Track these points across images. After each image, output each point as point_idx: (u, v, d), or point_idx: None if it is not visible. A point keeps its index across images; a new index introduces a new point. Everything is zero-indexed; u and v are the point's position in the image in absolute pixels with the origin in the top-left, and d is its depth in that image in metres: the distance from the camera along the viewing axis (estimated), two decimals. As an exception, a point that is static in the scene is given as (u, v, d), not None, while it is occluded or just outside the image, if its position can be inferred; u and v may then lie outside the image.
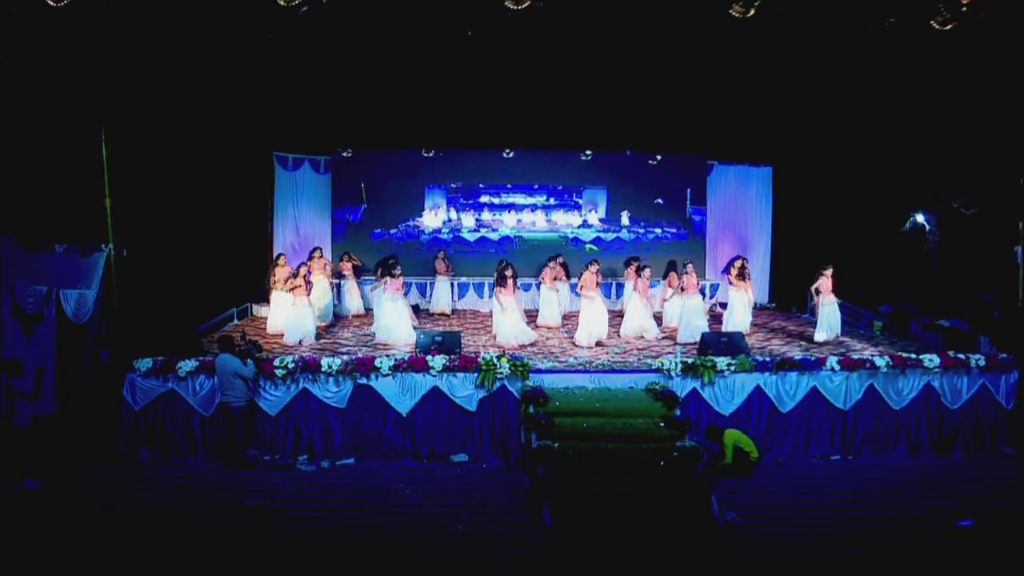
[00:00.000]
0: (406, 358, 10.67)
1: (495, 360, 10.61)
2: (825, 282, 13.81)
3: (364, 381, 10.57)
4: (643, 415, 10.15)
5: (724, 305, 17.42)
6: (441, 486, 9.78)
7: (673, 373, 10.84)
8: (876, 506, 9.45)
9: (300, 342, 12.94)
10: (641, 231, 19.11)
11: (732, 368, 10.95)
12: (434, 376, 10.59)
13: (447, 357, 10.68)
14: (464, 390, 10.61)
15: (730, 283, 14.29)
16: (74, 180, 10.41)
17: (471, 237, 19.11)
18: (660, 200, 18.71)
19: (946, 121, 18.00)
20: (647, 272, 14.24)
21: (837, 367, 11.11)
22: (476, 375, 10.57)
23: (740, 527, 8.69)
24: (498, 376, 10.55)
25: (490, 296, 16.06)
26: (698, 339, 12.95)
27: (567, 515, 8.53)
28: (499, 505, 9.22)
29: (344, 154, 17.81)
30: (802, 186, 18.04)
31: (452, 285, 17.12)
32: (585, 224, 19.25)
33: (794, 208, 18.21)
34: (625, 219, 19.13)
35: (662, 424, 9.97)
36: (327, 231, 17.71)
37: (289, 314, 13.30)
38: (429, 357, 10.63)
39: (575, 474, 9.11)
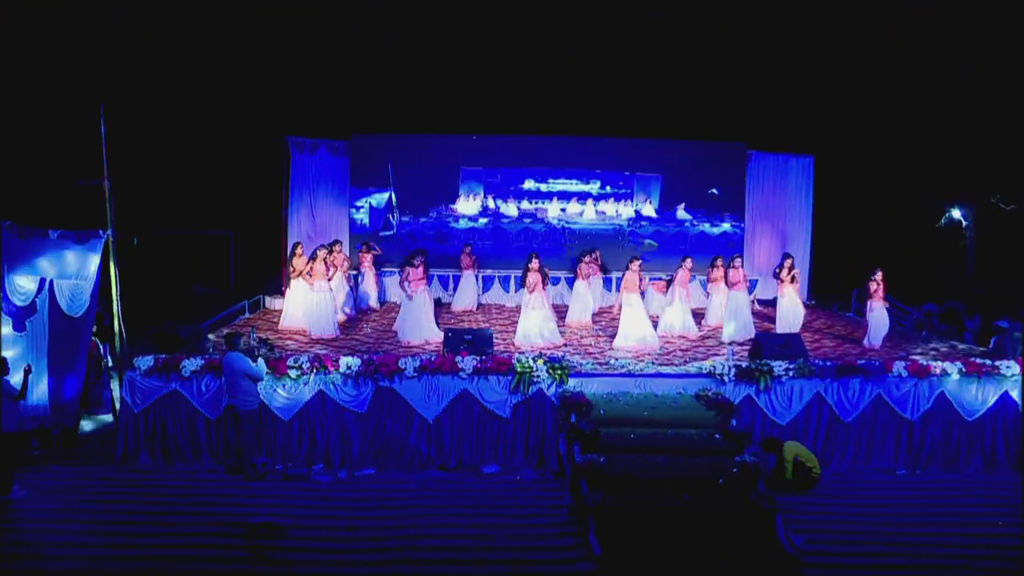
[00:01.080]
0: (433, 359, 9.56)
1: (531, 362, 9.49)
2: (875, 286, 12.61)
3: (386, 383, 9.47)
4: (695, 425, 9.02)
5: (763, 302, 16.29)
6: (472, 501, 8.66)
7: (726, 378, 9.69)
8: (954, 531, 8.28)
9: (318, 336, 11.95)
10: (709, 227, 17.59)
11: (790, 373, 9.78)
12: (464, 379, 9.48)
13: (478, 358, 9.57)
14: (496, 394, 9.49)
15: (780, 281, 13.11)
16: (70, 160, 9.35)
17: (513, 228, 17.62)
18: (715, 191, 17.42)
19: (986, 113, 16.82)
20: (688, 263, 13.16)
21: (904, 373, 9.93)
22: (510, 378, 9.45)
23: (808, 555, 7.57)
24: (534, 380, 9.43)
25: (518, 290, 14.95)
26: (741, 338, 11.86)
27: (617, 541, 7.42)
28: (538, 526, 8.09)
29: (363, 136, 16.41)
30: (844, 178, 16.87)
31: (477, 279, 15.97)
32: (639, 216, 17.70)
33: (835, 201, 17.03)
34: (682, 212, 17.66)
35: (717, 436, 8.84)
36: (344, 219, 16.56)
37: (310, 304, 12.26)
38: (458, 358, 9.51)
39: (624, 493, 8.01)
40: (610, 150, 17.51)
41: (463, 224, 17.46)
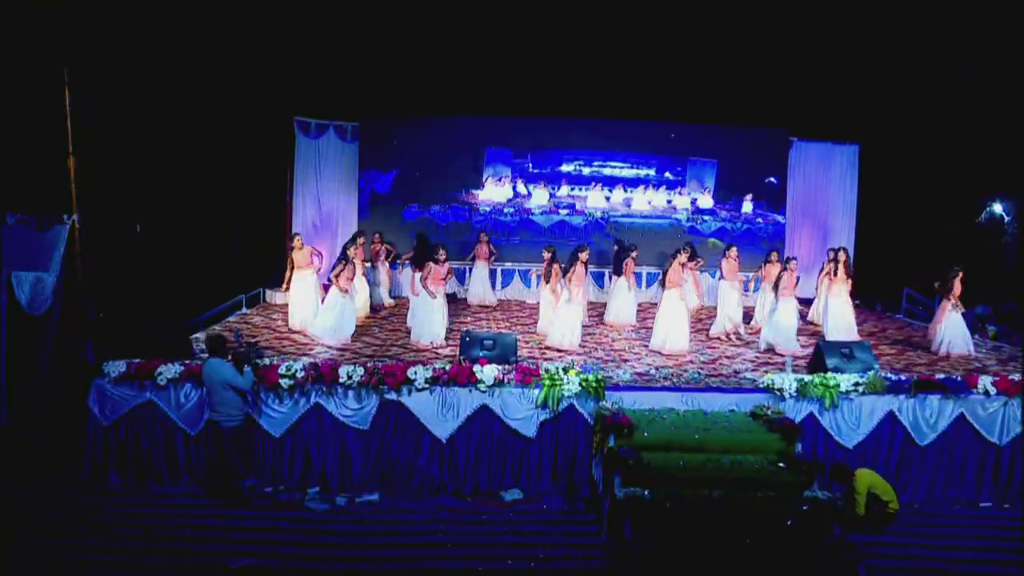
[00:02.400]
0: (447, 368, 8.11)
1: (561, 374, 8.02)
2: (956, 286, 11.06)
3: (393, 396, 8.02)
4: (754, 450, 7.51)
5: (801, 301, 14.73)
6: (490, 537, 7.22)
7: (786, 393, 8.19)
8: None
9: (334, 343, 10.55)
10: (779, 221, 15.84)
11: (860, 389, 8.28)
12: (483, 392, 8.01)
13: (500, 368, 8.10)
14: (520, 410, 8.02)
15: (831, 279, 11.54)
16: (31, 135, 7.96)
17: (545, 221, 15.65)
18: (773, 179, 15.78)
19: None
20: (733, 251, 11.71)
21: (993, 390, 8.39)
22: (537, 391, 8.00)
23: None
24: (565, 394, 7.98)
25: (537, 284, 13.50)
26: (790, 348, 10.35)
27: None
28: (569, 572, 6.67)
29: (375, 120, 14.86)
30: (892, 167, 15.21)
31: (494, 272, 14.44)
32: (697, 209, 15.82)
33: (881, 192, 15.39)
34: (748, 205, 15.86)
35: (781, 464, 7.34)
36: (353, 207, 15.06)
37: (338, 309, 10.45)
38: (477, 368, 8.04)
39: (676, 536, 6.54)
40: (650, 134, 15.70)
41: (482, 214, 15.54)
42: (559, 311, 10.38)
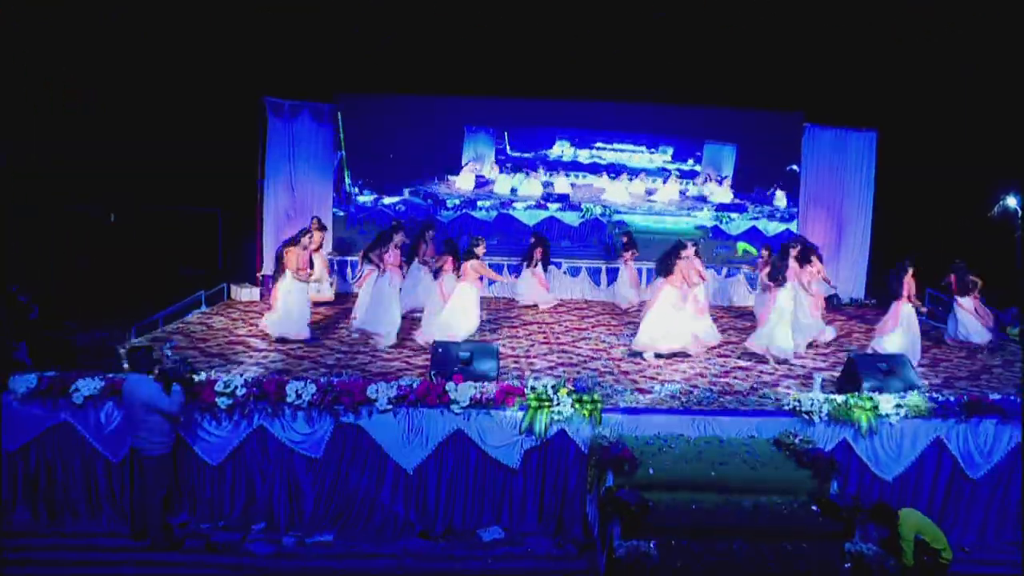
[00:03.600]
0: (415, 386, 6.71)
1: (550, 392, 6.62)
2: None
3: (350, 419, 6.60)
4: (782, 489, 6.11)
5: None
6: (463, 591, 5.87)
7: (815, 417, 6.80)
8: None
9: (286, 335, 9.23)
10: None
11: (901, 411, 6.89)
12: (457, 414, 6.59)
13: (477, 386, 6.71)
14: (501, 436, 6.60)
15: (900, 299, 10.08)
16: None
17: (529, 219, 13.60)
18: (795, 167, 14.29)
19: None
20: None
21: (1058, 413, 7.05)
22: (521, 413, 6.62)
23: None
24: (555, 417, 6.59)
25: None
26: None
27: None
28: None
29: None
30: (912, 156, 13.75)
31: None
32: (721, 206, 14.12)
33: (901, 183, 13.93)
34: (781, 199, 14.24)
35: (814, 508, 5.96)
36: (329, 195, 13.63)
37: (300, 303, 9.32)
38: (450, 385, 6.65)
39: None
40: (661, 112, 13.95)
41: (450, 209, 13.52)
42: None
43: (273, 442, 6.62)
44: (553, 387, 6.63)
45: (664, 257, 9.17)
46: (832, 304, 13.65)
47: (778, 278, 9.28)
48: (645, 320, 9.12)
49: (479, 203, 13.87)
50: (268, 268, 11.81)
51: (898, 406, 6.83)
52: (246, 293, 11.71)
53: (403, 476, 6.62)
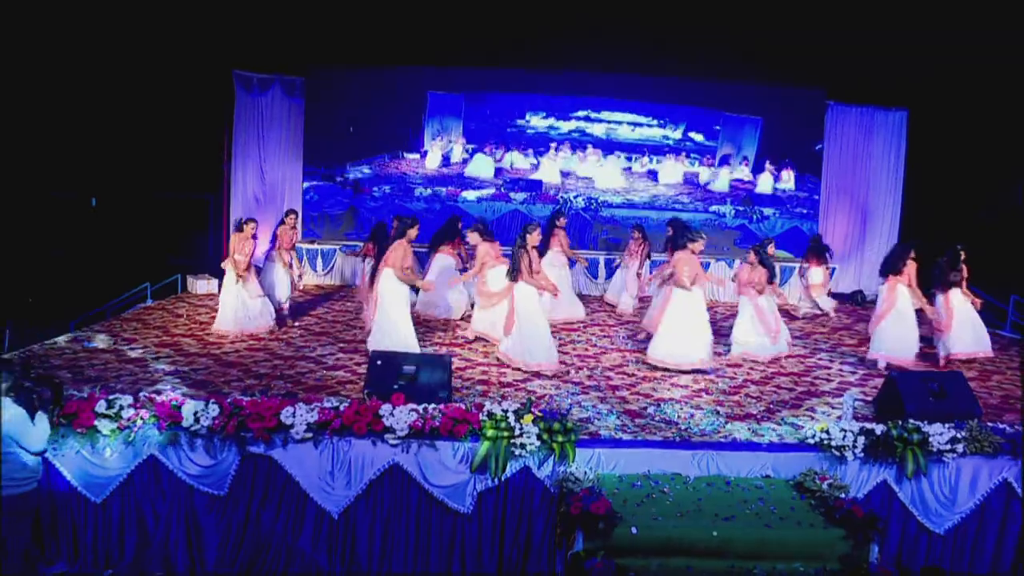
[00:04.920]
0: (341, 408, 5.23)
1: (511, 420, 5.12)
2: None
3: (260, 449, 5.16)
4: (805, 555, 4.55)
5: (841, 298, 11.80)
6: None
7: (847, 452, 5.25)
8: None
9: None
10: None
11: (958, 447, 5.32)
12: (393, 445, 5.14)
13: (418, 409, 5.22)
14: (449, 474, 5.09)
15: (944, 290, 8.46)
16: None
17: (486, 212, 11.72)
18: (820, 146, 12.57)
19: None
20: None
21: None
22: (475, 446, 5.14)
23: None
24: (515, 451, 5.09)
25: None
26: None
27: None
28: None
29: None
30: (947, 137, 12.01)
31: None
32: (749, 195, 12.23)
33: (934, 167, 12.20)
34: (788, 179, 12.35)
35: (848, 582, 4.43)
36: (298, 177, 12.02)
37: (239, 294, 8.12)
38: (384, 408, 5.16)
39: None
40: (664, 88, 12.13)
41: (379, 197, 11.69)
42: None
43: (167, 475, 5.17)
44: (515, 413, 5.12)
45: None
46: (856, 301, 12.00)
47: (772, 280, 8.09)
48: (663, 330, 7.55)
49: (418, 191, 12.00)
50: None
51: (954, 440, 5.27)
52: (203, 285, 10.28)
53: (327, 520, 5.15)
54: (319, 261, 10.95)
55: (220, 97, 11.34)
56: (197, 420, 5.08)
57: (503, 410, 5.12)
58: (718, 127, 12.45)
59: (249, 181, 11.66)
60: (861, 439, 5.19)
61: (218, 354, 7.25)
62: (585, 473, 4.83)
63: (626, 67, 11.52)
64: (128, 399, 5.18)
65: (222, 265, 8.29)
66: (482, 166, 12.09)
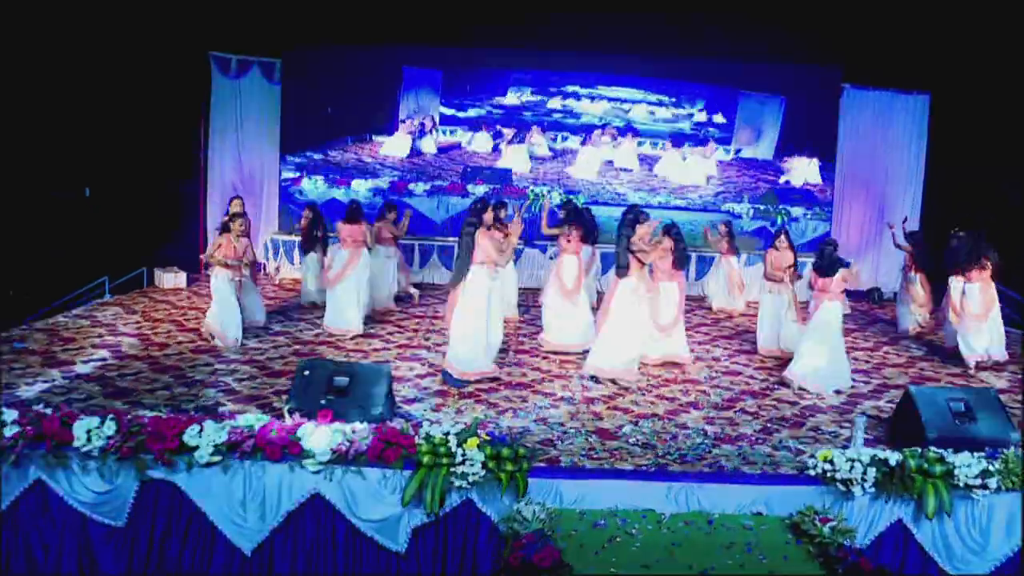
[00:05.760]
0: (255, 429, 4.43)
1: (452, 445, 4.27)
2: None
3: (161, 474, 4.39)
4: (800, 618, 3.72)
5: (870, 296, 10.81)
6: None
7: (854, 486, 4.34)
8: None
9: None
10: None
11: (992, 481, 4.38)
12: (314, 472, 4.33)
13: (344, 431, 4.38)
14: (379, 507, 4.22)
15: (962, 274, 7.51)
16: None
17: (438, 215, 11.00)
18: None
19: None
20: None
21: None
22: (409, 474, 4.31)
23: None
24: (456, 482, 4.25)
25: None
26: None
27: None
28: None
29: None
30: (974, 124, 10.90)
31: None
32: (800, 192, 11.26)
33: (959, 155, 11.09)
34: (807, 169, 11.32)
35: (853, 656, 3.54)
36: (276, 165, 11.15)
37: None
38: (303, 429, 4.32)
39: None
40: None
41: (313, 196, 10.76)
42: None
43: (56, 502, 4.40)
44: (458, 436, 4.28)
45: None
46: (873, 300, 10.97)
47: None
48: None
49: (357, 186, 11.13)
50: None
51: (985, 473, 4.33)
52: (170, 279, 9.51)
53: (239, 557, 4.35)
54: (296, 253, 10.16)
55: (195, 80, 10.55)
56: (90, 439, 4.30)
57: (443, 432, 4.26)
58: (731, 107, 11.41)
59: (227, 168, 10.87)
60: (872, 471, 4.25)
61: (157, 356, 6.46)
62: (535, 512, 3.96)
63: (618, 44, 10.56)
64: (14, 414, 4.42)
65: (210, 272, 7.38)
66: (517, 158, 11.24)
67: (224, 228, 7.24)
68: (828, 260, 6.48)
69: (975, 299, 7.49)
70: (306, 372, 4.67)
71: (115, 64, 9.50)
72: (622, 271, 6.08)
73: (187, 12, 9.89)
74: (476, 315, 5.91)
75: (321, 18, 10.05)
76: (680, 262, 7.12)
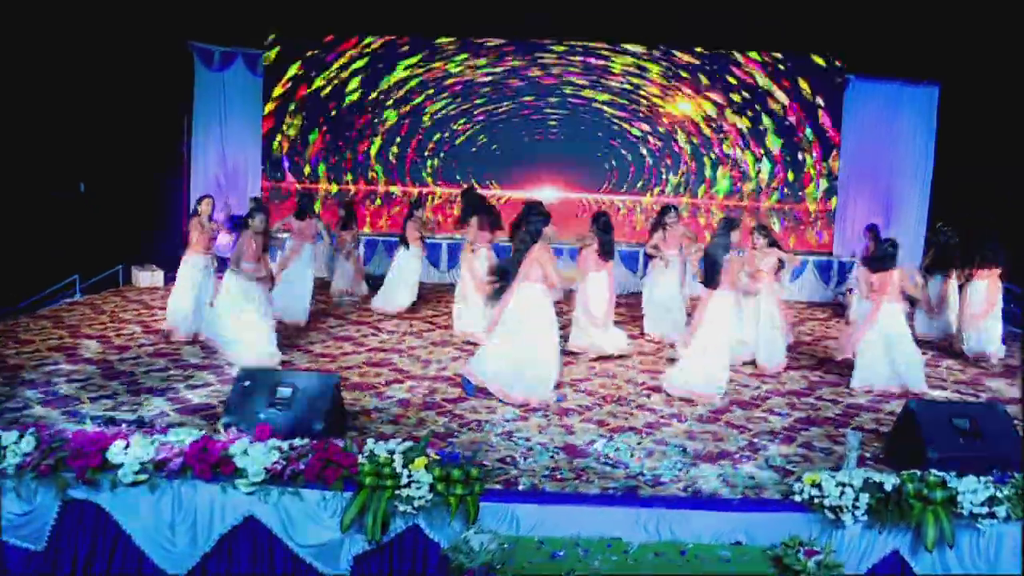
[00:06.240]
0: (185, 447, 4.04)
1: (396, 464, 3.85)
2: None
3: (82, 494, 3.97)
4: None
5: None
6: None
7: (846, 515, 3.88)
8: None
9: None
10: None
11: (1001, 509, 3.89)
12: (248, 494, 3.94)
13: (283, 446, 3.97)
14: (318, 531, 3.81)
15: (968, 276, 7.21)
16: None
17: None
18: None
19: None
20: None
21: None
22: (347, 497, 3.91)
23: None
24: (400, 506, 3.83)
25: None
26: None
27: None
28: None
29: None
30: (986, 116, 10.34)
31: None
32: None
33: (970, 149, 10.53)
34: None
35: None
36: (258, 159, 10.77)
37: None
38: (236, 446, 3.91)
39: None
40: None
41: None
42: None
43: (-28, 524, 4.07)
44: (405, 455, 3.86)
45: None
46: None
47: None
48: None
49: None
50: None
51: (993, 501, 3.86)
52: (146, 278, 9.15)
53: (168, 583, 4.00)
54: (278, 253, 9.79)
55: (177, 73, 10.19)
56: (5, 456, 3.94)
57: (388, 451, 3.85)
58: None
59: (211, 163, 10.50)
60: (864, 497, 3.79)
61: (112, 361, 6.08)
62: (483, 543, 3.53)
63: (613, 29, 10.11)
64: (-76, 426, 4.06)
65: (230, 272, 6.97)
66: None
67: (243, 225, 6.29)
68: (884, 255, 6.19)
69: (979, 297, 7.18)
70: (246, 382, 4.27)
71: (94, 56, 9.14)
72: (715, 282, 5.64)
73: (169, 2, 9.54)
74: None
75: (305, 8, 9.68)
76: (606, 252, 6.84)
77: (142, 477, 3.86)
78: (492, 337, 5.50)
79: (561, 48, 10.91)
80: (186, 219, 10.41)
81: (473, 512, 3.69)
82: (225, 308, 5.96)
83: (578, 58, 10.94)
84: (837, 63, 10.71)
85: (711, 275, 5.64)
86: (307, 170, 10.88)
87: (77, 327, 7.15)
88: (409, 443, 3.93)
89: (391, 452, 3.84)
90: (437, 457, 3.83)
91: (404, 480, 3.74)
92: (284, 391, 4.21)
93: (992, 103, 10.18)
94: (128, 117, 9.55)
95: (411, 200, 9.68)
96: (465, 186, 8.99)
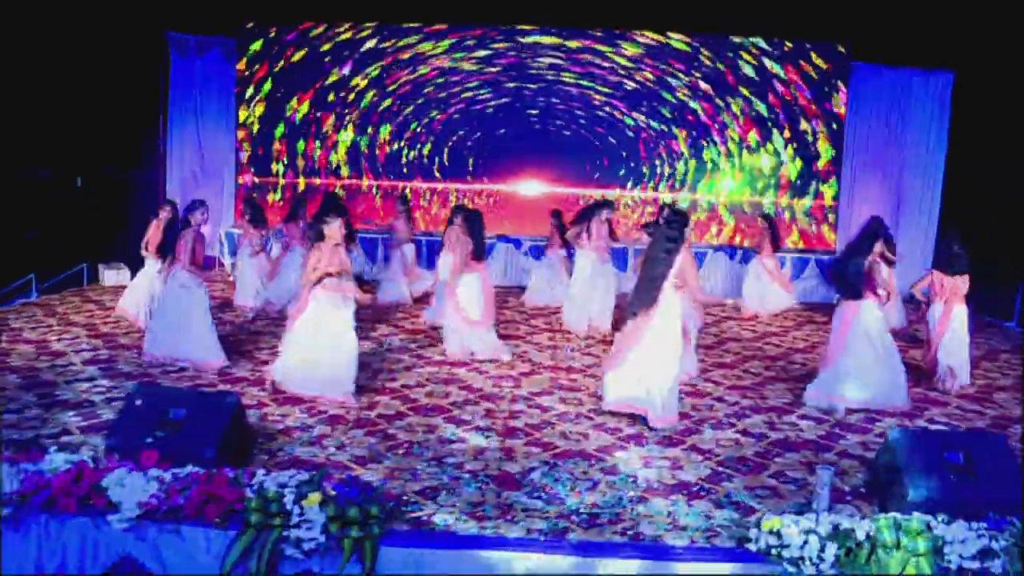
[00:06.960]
0: (55, 474, 3.55)
1: (287, 501, 3.34)
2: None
3: None
4: None
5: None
6: None
7: (808, 567, 3.28)
8: None
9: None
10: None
11: (995, 565, 3.24)
12: (124, 529, 3.42)
13: (166, 476, 3.46)
14: (200, 574, 3.45)
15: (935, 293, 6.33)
16: None
17: None
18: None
19: None
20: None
21: None
22: (232, 536, 3.40)
23: None
24: (287, 551, 3.30)
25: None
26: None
27: None
28: None
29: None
30: (1004, 106, 9.56)
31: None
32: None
33: (986, 141, 9.76)
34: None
35: None
36: (231, 150, 10.30)
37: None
38: (110, 478, 3.40)
39: None
40: None
41: None
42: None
43: None
44: (297, 489, 3.35)
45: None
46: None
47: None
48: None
49: None
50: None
51: (986, 553, 3.24)
52: (112, 276, 8.73)
53: (37, 629, 3.53)
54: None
55: (151, 63, 9.76)
56: None
57: (280, 484, 3.34)
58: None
59: (186, 157, 10.08)
60: (831, 547, 3.21)
61: (40, 369, 5.62)
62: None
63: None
64: None
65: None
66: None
67: (318, 236, 5.19)
68: (956, 256, 6.00)
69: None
70: (137, 403, 3.78)
71: (66, 43, 8.75)
72: (856, 293, 5.19)
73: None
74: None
75: None
76: (479, 254, 6.41)
77: (5, 511, 3.41)
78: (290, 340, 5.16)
79: (551, 40, 10.36)
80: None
81: (370, 558, 3.16)
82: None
83: (574, 43, 10.40)
84: (841, 48, 10.02)
85: (853, 285, 5.19)
86: (276, 167, 10.46)
87: (20, 331, 6.71)
88: (305, 475, 3.43)
89: (283, 486, 3.33)
90: (334, 493, 3.31)
91: (295, 519, 3.23)
92: (177, 412, 3.71)
93: (1011, 92, 9.41)
94: (102, 110, 9.14)
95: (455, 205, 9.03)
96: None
